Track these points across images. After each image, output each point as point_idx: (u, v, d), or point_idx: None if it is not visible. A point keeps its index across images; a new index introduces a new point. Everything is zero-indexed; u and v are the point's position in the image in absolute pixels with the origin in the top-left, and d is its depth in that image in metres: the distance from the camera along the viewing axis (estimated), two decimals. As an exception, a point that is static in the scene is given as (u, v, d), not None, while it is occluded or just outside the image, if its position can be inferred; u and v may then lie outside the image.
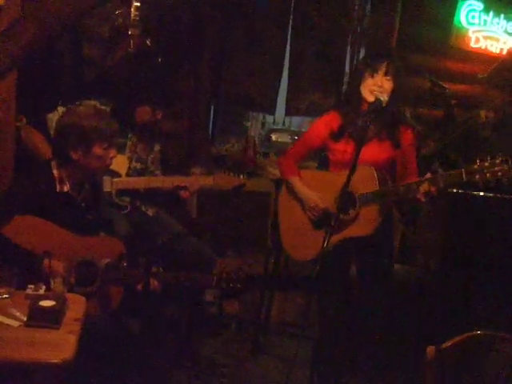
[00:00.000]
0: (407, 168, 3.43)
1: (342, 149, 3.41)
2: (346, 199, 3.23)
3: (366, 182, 3.29)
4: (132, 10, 4.40)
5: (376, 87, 3.32)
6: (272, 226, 4.71)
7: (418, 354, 2.43)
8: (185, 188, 3.77)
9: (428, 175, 3.19)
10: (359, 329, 3.71)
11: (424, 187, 3.16)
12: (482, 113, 4.29)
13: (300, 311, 4.65)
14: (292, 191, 3.59)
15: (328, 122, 3.50)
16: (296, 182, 3.56)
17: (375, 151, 3.38)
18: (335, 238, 3.32)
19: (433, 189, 3.15)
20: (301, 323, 4.50)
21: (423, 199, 3.18)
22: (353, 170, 2.98)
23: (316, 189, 3.48)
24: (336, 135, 3.44)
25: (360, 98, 3.38)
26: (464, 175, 3.03)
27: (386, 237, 3.50)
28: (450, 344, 2.24)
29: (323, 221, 3.46)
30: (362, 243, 3.43)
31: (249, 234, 4.75)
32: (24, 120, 3.70)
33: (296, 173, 3.58)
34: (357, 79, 3.39)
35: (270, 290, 4.55)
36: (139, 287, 2.98)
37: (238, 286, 3.15)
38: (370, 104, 3.30)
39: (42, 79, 4.11)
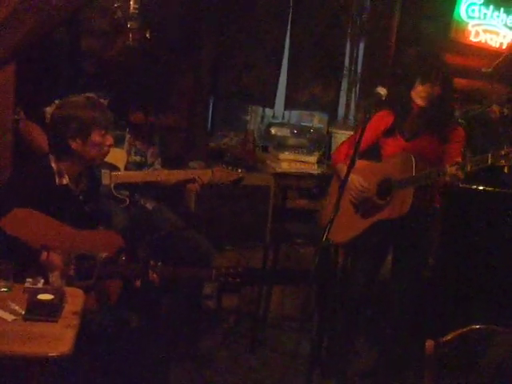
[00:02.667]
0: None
1: (393, 144, 3.62)
2: (385, 185, 3.52)
3: (404, 168, 3.46)
4: (131, 2, 4.39)
5: (425, 93, 3.49)
6: (272, 219, 4.73)
7: (417, 347, 2.44)
8: (193, 180, 3.75)
9: (457, 159, 3.31)
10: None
11: (452, 170, 3.25)
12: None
13: (299, 305, 4.65)
14: (338, 177, 3.73)
15: (381, 119, 3.63)
16: (341, 167, 3.69)
17: (423, 146, 3.54)
18: (368, 222, 3.60)
19: (460, 173, 3.24)
20: (300, 317, 4.51)
21: (449, 182, 3.30)
22: (352, 163, 2.99)
23: (364, 174, 3.61)
24: (388, 132, 3.63)
25: (410, 101, 3.55)
26: (490, 159, 3.14)
27: (424, 230, 3.63)
28: (449, 338, 2.24)
29: (363, 203, 3.63)
30: (399, 232, 3.57)
31: (248, 227, 4.74)
32: (22, 113, 3.69)
33: (343, 160, 3.71)
34: (407, 85, 3.53)
35: (269, 284, 4.55)
36: (138, 281, 2.98)
37: (237, 279, 3.15)
38: (370, 97, 3.32)
39: (39, 72, 4.10)
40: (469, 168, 3.23)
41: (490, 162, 3.14)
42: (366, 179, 3.61)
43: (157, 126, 4.20)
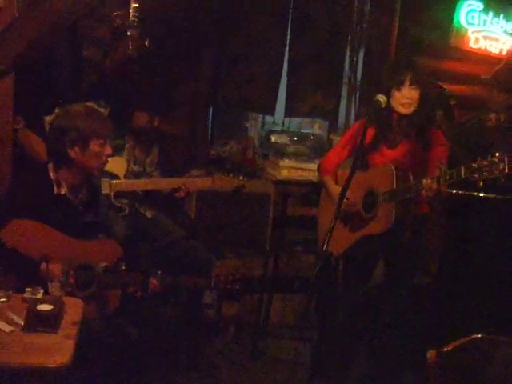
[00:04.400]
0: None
1: (378, 154, 3.62)
2: (370, 198, 3.51)
3: (385, 180, 3.45)
4: (131, 11, 4.38)
5: (404, 99, 3.49)
6: (272, 227, 4.72)
7: (419, 356, 2.42)
8: (179, 189, 3.76)
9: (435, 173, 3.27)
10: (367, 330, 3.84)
11: (427, 183, 3.23)
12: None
13: (299, 313, 4.63)
14: (326, 189, 3.78)
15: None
16: (327, 180, 3.77)
17: (403, 153, 3.55)
18: (355, 236, 3.61)
19: (434, 186, 3.21)
20: (300, 325, 4.50)
21: (426, 195, 3.25)
22: (351, 176, 2.99)
23: (350, 187, 3.53)
24: (372, 144, 3.61)
25: (391, 111, 3.54)
26: (463, 173, 3.06)
27: (415, 240, 3.59)
28: (451, 347, 2.23)
29: (350, 216, 3.62)
30: (390, 243, 3.57)
31: (248, 235, 4.73)
32: (22, 122, 3.69)
33: (330, 172, 3.78)
34: (384, 94, 3.44)
35: (269, 292, 4.53)
36: (137, 290, 2.97)
37: (236, 287, 3.15)
38: (368, 106, 3.32)
39: (39, 81, 4.09)
40: (443, 181, 3.18)
41: (463, 175, 3.06)
42: (352, 192, 3.50)
43: (157, 133, 4.20)
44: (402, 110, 3.51)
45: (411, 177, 3.40)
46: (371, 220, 3.53)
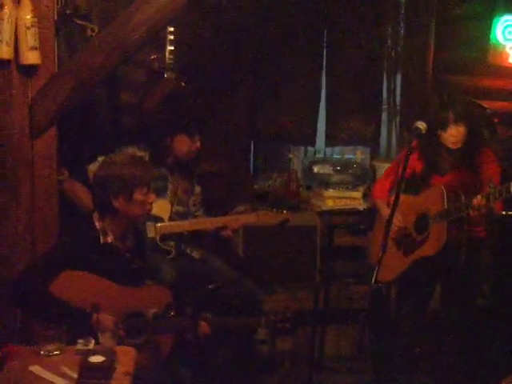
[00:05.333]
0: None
1: (431, 183, 3.64)
2: (422, 220, 3.54)
3: (436, 201, 3.47)
4: (167, 53, 4.43)
5: (452, 138, 3.53)
6: (320, 258, 4.68)
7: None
8: (225, 228, 3.77)
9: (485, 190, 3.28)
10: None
11: (478, 200, 3.24)
12: None
13: (354, 345, 4.56)
14: (379, 213, 3.81)
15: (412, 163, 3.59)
16: (380, 203, 3.81)
17: (454, 178, 3.57)
18: (409, 259, 3.61)
19: (484, 202, 3.22)
20: (355, 357, 4.43)
21: (477, 214, 3.27)
22: (396, 200, 2.97)
23: (402, 211, 3.58)
24: (423, 176, 3.68)
25: (440, 145, 3.60)
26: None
27: (472, 264, 3.60)
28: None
29: (403, 239, 3.65)
30: (445, 267, 3.58)
31: (297, 268, 4.70)
32: (66, 173, 3.75)
33: (382, 196, 3.81)
34: (433, 136, 3.55)
35: (322, 325, 4.48)
36: (189, 335, 2.96)
37: (287, 325, 3.13)
38: (410, 133, 3.30)
39: (80, 129, 4.17)
40: (493, 198, 3.19)
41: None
42: (403, 215, 3.61)
43: (198, 169, 4.22)
44: (453, 146, 3.55)
45: (462, 197, 3.40)
46: (424, 242, 3.54)
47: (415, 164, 3.65)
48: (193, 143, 3.95)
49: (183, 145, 3.94)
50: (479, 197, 3.24)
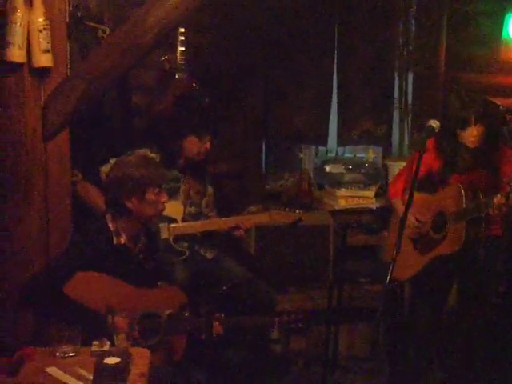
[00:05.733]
0: None
1: (449, 182, 3.61)
2: (440, 219, 3.52)
3: (455, 200, 3.45)
4: (177, 54, 4.43)
5: (471, 137, 3.51)
6: (334, 258, 4.68)
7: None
8: (238, 228, 3.78)
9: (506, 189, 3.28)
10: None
11: (498, 200, 3.25)
12: None
13: (368, 344, 4.55)
14: (396, 213, 3.77)
15: (429, 158, 3.60)
16: (396, 203, 3.78)
17: (474, 177, 3.54)
18: (426, 258, 3.59)
19: (503, 201, 3.23)
20: (370, 356, 4.42)
21: (497, 213, 3.29)
22: (409, 200, 2.96)
23: (419, 209, 3.58)
24: (442, 174, 3.65)
25: (459, 144, 3.57)
26: None
27: (486, 260, 3.57)
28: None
29: (420, 237, 3.64)
30: (463, 265, 3.57)
31: (310, 268, 4.70)
32: (80, 175, 3.76)
33: (398, 195, 3.76)
34: (452, 135, 3.55)
35: (336, 324, 4.48)
36: (202, 336, 2.97)
37: (300, 325, 3.12)
38: (423, 131, 3.27)
39: (92, 131, 4.18)
40: None
41: None
42: (421, 214, 3.60)
43: (210, 171, 4.22)
44: (472, 145, 3.53)
45: (481, 196, 3.39)
46: (442, 240, 3.52)
47: (432, 163, 3.64)
48: (202, 144, 3.95)
49: (193, 146, 3.94)
50: (499, 196, 3.23)
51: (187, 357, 3.02)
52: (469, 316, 3.67)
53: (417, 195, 3.55)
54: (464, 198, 3.41)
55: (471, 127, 3.48)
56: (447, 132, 3.43)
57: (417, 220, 3.60)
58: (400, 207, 3.70)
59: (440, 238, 3.53)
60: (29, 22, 3.04)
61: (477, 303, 3.66)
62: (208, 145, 3.97)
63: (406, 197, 3.70)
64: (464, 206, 3.40)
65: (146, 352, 2.67)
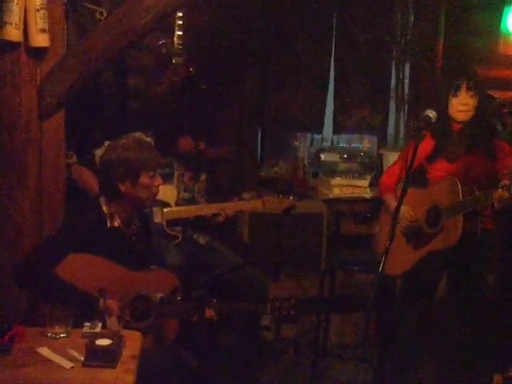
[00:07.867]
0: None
1: (437, 167, 3.59)
2: (434, 213, 3.48)
3: (451, 193, 3.42)
4: (175, 39, 4.42)
5: (462, 106, 3.48)
6: (327, 246, 4.68)
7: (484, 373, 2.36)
8: (219, 214, 3.75)
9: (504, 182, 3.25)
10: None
11: (499, 193, 3.22)
12: None
13: (359, 333, 4.57)
14: (387, 207, 3.73)
15: (422, 143, 3.52)
16: (388, 197, 3.72)
17: (468, 166, 3.50)
18: (419, 253, 3.56)
19: (506, 195, 3.20)
20: (360, 345, 4.44)
21: (498, 206, 3.26)
22: (404, 191, 2.96)
23: (410, 204, 3.54)
24: (430, 157, 3.60)
25: (449, 119, 3.54)
26: None
27: (478, 254, 3.58)
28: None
29: (413, 232, 3.60)
30: (453, 259, 3.54)
31: (302, 256, 4.71)
32: (74, 157, 3.75)
33: (390, 190, 3.73)
34: (442, 102, 3.53)
35: (327, 313, 4.49)
36: (194, 320, 2.97)
37: (292, 312, 3.12)
38: (418, 121, 3.26)
39: (87, 114, 4.16)
40: None
41: None
42: (414, 208, 3.57)
43: (204, 158, 4.21)
44: (460, 117, 3.50)
45: (476, 191, 3.37)
46: (436, 235, 3.50)
47: (425, 146, 3.57)
48: (197, 145, 3.97)
49: (186, 145, 3.95)
50: (499, 190, 3.22)
51: (178, 340, 3.01)
52: (459, 309, 3.67)
53: (410, 190, 3.55)
54: (461, 191, 3.38)
55: (462, 93, 3.46)
56: (440, 109, 3.39)
57: (410, 215, 3.57)
58: (392, 202, 3.66)
59: (435, 232, 3.50)
60: (26, 0, 3.01)
61: (466, 294, 3.64)
62: (203, 146, 3.98)
63: (399, 191, 3.74)
64: (461, 199, 3.37)
65: (137, 334, 2.67)
